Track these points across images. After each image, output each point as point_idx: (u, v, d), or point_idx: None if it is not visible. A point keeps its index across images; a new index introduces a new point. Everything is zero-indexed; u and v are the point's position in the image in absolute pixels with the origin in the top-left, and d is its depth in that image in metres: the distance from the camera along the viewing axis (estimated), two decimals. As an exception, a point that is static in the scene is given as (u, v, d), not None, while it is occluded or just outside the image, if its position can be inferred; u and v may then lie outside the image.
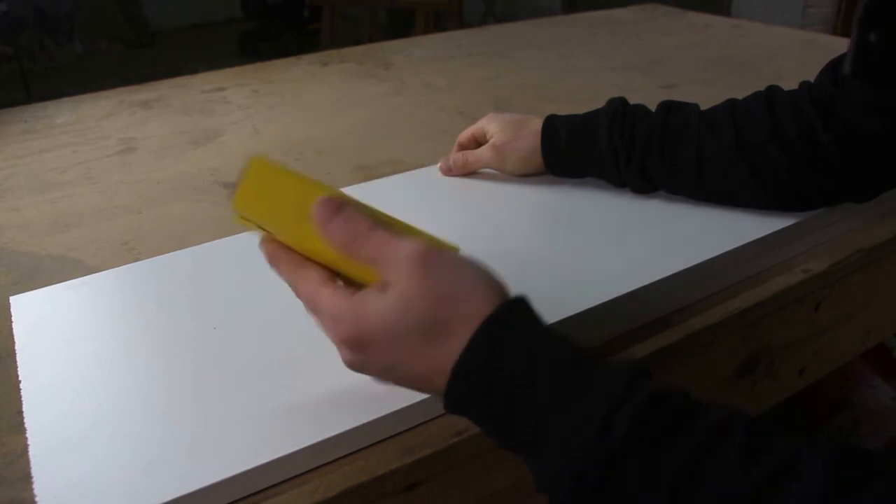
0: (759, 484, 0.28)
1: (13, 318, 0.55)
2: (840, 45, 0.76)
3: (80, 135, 0.97)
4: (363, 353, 0.38)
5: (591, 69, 1.20)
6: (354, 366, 0.39)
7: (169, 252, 0.63)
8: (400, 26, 4.23)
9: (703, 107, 0.66)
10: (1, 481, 0.42)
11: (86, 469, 0.41)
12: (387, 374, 0.38)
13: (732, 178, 0.62)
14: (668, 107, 0.65)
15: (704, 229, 0.62)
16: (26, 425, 0.44)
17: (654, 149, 0.64)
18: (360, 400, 0.45)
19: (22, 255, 0.67)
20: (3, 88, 3.58)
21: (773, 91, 0.62)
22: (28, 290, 0.59)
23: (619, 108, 0.66)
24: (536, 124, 0.70)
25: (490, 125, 0.73)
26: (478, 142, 0.75)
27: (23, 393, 0.47)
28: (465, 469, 0.47)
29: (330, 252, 0.38)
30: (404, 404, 0.45)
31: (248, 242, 0.64)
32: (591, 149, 0.66)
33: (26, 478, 0.41)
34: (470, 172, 0.74)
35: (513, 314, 0.35)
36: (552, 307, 0.49)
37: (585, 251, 0.59)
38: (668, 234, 0.62)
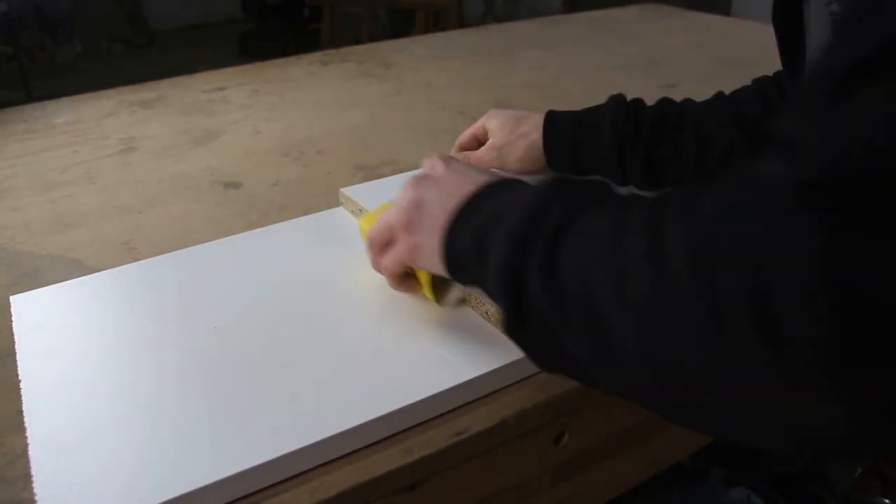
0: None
1: (13, 318, 0.55)
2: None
3: (80, 134, 0.97)
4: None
5: (592, 69, 1.20)
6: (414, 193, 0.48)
7: (169, 252, 0.63)
8: (400, 26, 4.23)
9: None
10: (1, 481, 0.42)
11: (86, 469, 0.41)
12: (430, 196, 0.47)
13: (732, 157, 0.64)
14: (667, 101, 0.67)
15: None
16: (26, 425, 0.44)
17: (658, 135, 0.65)
18: (359, 399, 0.45)
19: (22, 255, 0.67)
20: (3, 88, 3.58)
21: (760, 78, 0.67)
22: (28, 290, 0.59)
23: (622, 103, 0.67)
24: (535, 119, 0.70)
25: (490, 122, 0.73)
26: (479, 140, 0.75)
27: (23, 393, 0.47)
28: (465, 469, 0.47)
29: None
30: (404, 404, 0.45)
31: (248, 242, 0.65)
32: (595, 140, 0.67)
33: (26, 477, 0.41)
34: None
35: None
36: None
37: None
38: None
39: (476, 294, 0.53)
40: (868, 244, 0.25)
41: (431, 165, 0.49)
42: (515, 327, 0.38)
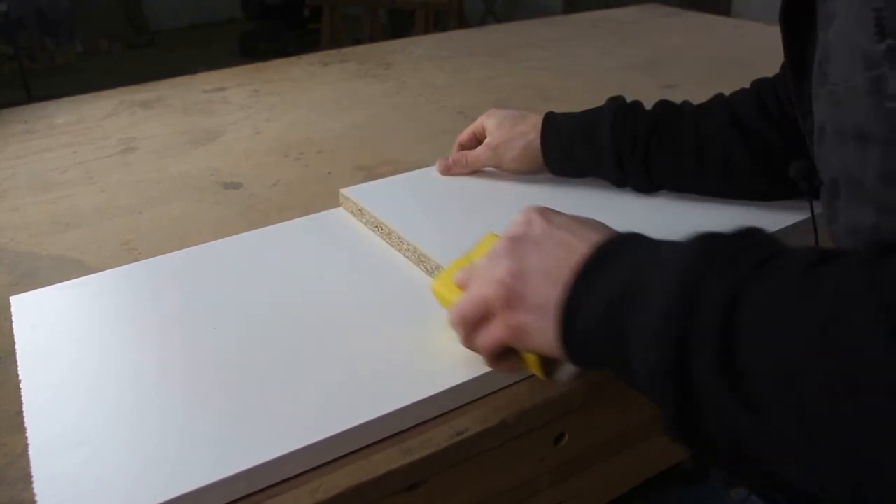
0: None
1: (13, 318, 0.55)
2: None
3: (80, 135, 0.97)
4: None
5: (591, 69, 1.20)
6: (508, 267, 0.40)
7: (169, 252, 0.63)
8: (400, 26, 4.23)
9: None
10: (1, 481, 0.42)
11: (86, 469, 0.41)
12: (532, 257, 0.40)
13: (731, 160, 0.64)
14: (666, 103, 0.67)
15: (706, 228, 0.62)
16: (26, 425, 0.44)
17: (657, 137, 0.65)
18: (359, 399, 0.45)
19: (22, 255, 0.67)
20: (3, 88, 3.58)
21: (758, 81, 0.67)
22: (28, 290, 0.59)
23: (621, 105, 0.67)
24: (534, 119, 0.70)
25: (488, 121, 0.73)
26: (478, 139, 0.75)
27: (23, 393, 0.47)
28: (465, 469, 0.47)
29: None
30: (404, 404, 0.45)
31: (248, 243, 0.65)
32: (593, 141, 0.67)
33: (26, 478, 0.41)
34: (469, 172, 0.74)
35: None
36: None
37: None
38: (670, 234, 0.62)
39: None
40: None
41: (527, 221, 0.42)
42: (682, 427, 0.32)
